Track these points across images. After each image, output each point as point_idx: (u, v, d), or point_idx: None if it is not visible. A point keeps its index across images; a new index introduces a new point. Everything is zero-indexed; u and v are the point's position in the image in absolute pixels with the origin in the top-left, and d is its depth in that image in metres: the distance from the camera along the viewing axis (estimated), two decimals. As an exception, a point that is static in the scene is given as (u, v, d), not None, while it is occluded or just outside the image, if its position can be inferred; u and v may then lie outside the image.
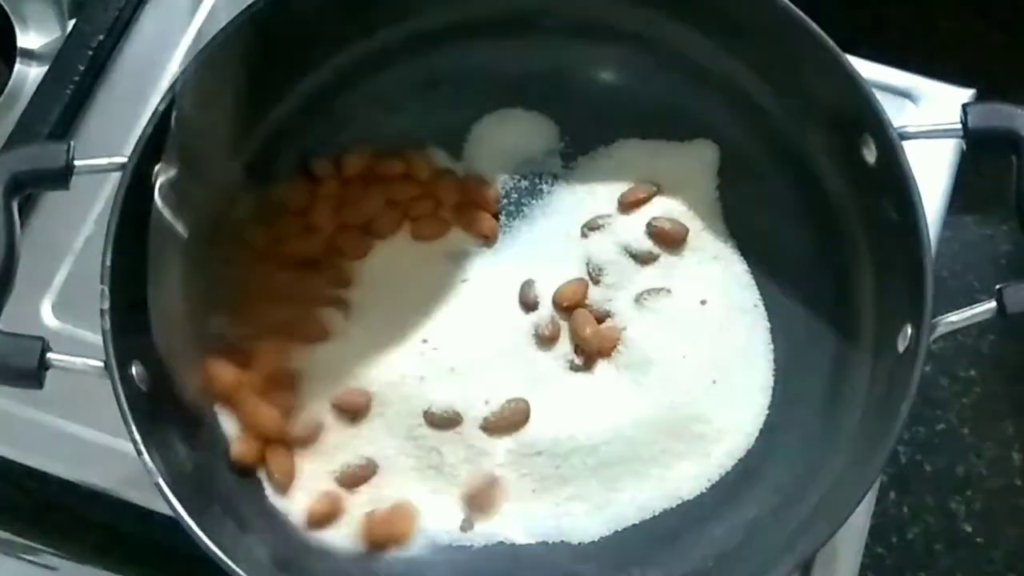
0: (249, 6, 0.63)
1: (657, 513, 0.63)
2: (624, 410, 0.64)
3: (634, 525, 0.63)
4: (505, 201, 0.70)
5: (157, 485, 0.55)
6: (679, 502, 0.63)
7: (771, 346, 0.66)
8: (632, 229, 0.68)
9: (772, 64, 0.65)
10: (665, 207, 0.68)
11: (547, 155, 0.70)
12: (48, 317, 0.69)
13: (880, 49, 0.72)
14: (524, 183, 0.70)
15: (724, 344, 0.65)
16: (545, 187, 0.70)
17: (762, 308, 0.66)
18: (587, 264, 0.68)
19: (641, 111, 0.70)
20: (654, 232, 0.67)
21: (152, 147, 0.59)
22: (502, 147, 0.70)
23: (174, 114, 0.60)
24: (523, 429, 0.64)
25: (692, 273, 0.67)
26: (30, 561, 0.65)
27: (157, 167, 0.60)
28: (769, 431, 0.64)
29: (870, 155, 0.61)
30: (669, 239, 0.67)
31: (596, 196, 0.69)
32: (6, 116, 0.74)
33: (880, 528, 0.71)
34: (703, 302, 0.66)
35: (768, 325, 0.66)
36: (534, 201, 0.70)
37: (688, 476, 0.63)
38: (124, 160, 0.59)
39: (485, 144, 0.70)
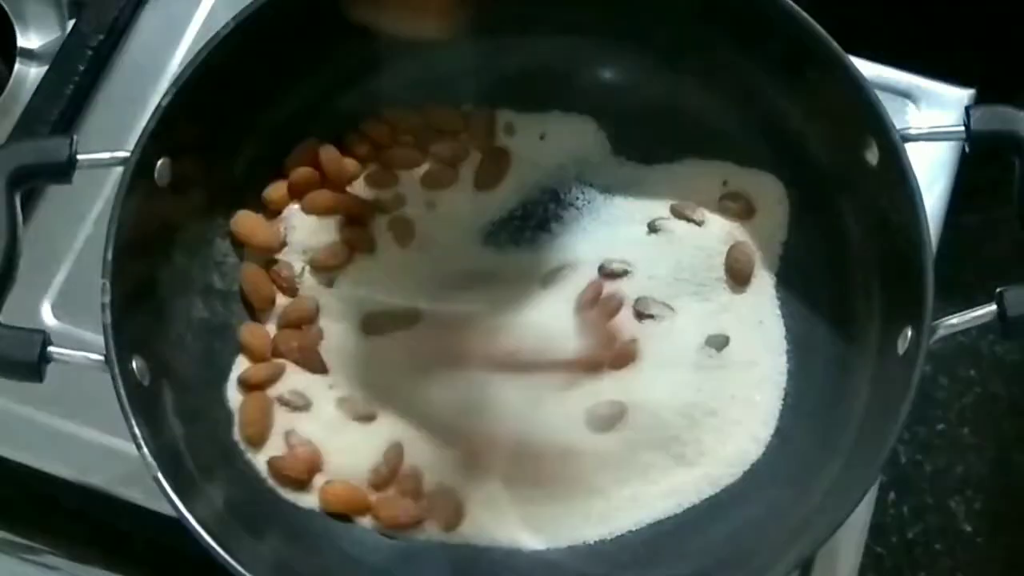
0: (249, 4, 0.63)
1: (657, 518, 0.63)
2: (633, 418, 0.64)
3: (632, 531, 0.63)
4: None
5: (156, 480, 0.55)
6: (680, 508, 0.63)
7: (785, 368, 0.66)
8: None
9: (774, 65, 0.65)
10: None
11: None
12: (48, 317, 0.69)
13: (880, 49, 0.72)
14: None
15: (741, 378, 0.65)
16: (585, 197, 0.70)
17: (785, 343, 0.66)
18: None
19: (642, 111, 0.70)
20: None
21: (155, 142, 0.59)
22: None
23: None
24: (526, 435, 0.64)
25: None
26: (30, 561, 0.65)
27: (159, 162, 0.60)
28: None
29: (872, 156, 0.61)
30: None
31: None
32: (6, 116, 0.74)
33: (880, 528, 0.71)
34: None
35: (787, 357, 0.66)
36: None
37: (690, 481, 0.63)
38: (127, 154, 0.59)
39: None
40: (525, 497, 0.63)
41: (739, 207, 0.68)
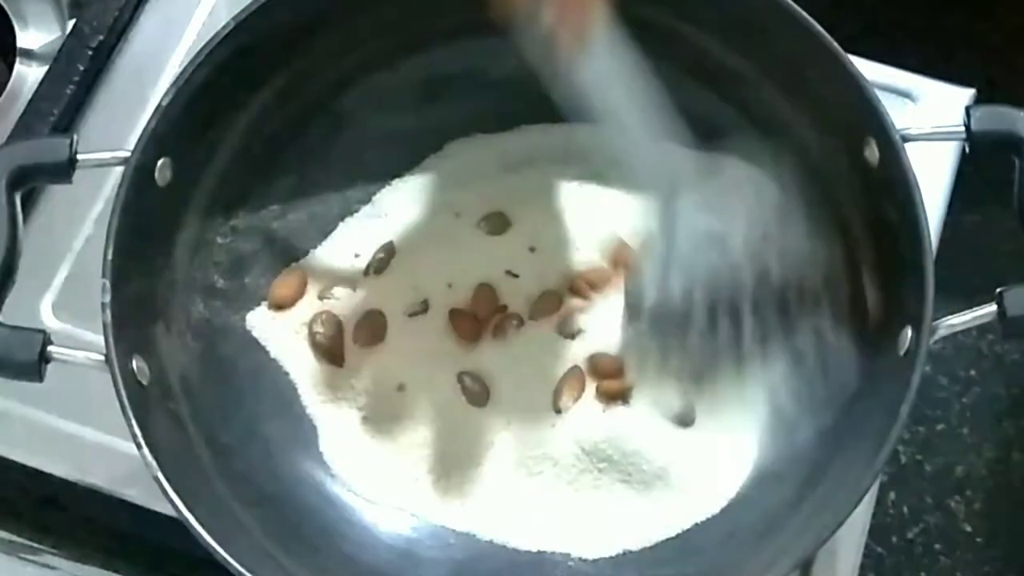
0: (249, 4, 0.63)
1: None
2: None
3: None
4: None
5: (156, 479, 0.55)
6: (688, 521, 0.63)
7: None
8: None
9: (775, 65, 0.65)
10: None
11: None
12: (48, 317, 0.69)
13: (880, 49, 0.72)
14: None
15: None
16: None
17: None
18: None
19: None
20: None
21: (155, 142, 0.59)
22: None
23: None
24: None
25: None
26: (30, 561, 0.65)
27: (159, 162, 0.60)
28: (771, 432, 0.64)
29: (872, 156, 0.61)
30: None
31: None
32: (6, 116, 0.74)
33: (880, 528, 0.71)
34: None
35: None
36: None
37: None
38: (127, 154, 0.59)
39: None
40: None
41: None
